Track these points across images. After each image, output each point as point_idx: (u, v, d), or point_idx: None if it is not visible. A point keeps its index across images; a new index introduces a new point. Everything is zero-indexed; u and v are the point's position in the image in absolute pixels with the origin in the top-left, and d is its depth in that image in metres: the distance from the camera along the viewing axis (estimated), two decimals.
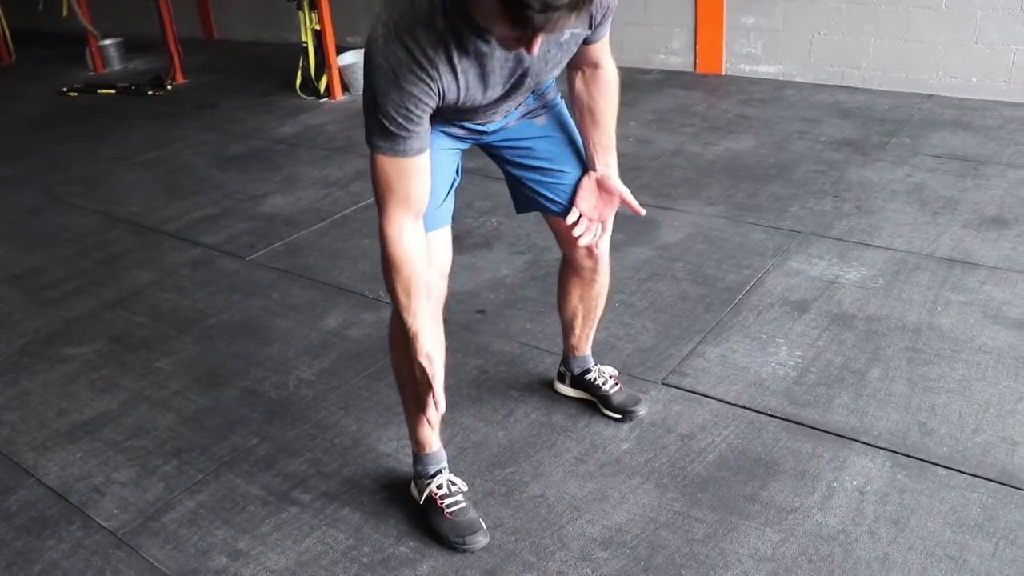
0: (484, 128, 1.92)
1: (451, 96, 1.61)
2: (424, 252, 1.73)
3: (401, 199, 1.66)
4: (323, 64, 5.84)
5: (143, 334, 3.08)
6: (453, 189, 1.94)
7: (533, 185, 2.06)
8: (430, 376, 1.70)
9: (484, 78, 1.63)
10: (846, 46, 5.11)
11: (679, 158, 4.27)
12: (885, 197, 3.64)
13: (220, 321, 3.11)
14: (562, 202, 2.06)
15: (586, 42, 1.81)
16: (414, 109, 1.56)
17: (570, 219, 2.04)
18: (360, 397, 2.58)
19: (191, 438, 2.47)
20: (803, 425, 2.31)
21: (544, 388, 2.54)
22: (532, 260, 3.32)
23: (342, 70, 5.87)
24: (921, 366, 2.51)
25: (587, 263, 2.18)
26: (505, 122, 1.95)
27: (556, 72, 1.80)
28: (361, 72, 6.32)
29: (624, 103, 1.89)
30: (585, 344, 2.40)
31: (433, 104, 1.59)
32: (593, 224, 2.06)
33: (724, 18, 5.45)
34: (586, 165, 2.05)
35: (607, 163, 2.02)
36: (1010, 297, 2.83)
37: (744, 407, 2.40)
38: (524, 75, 1.70)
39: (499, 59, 1.62)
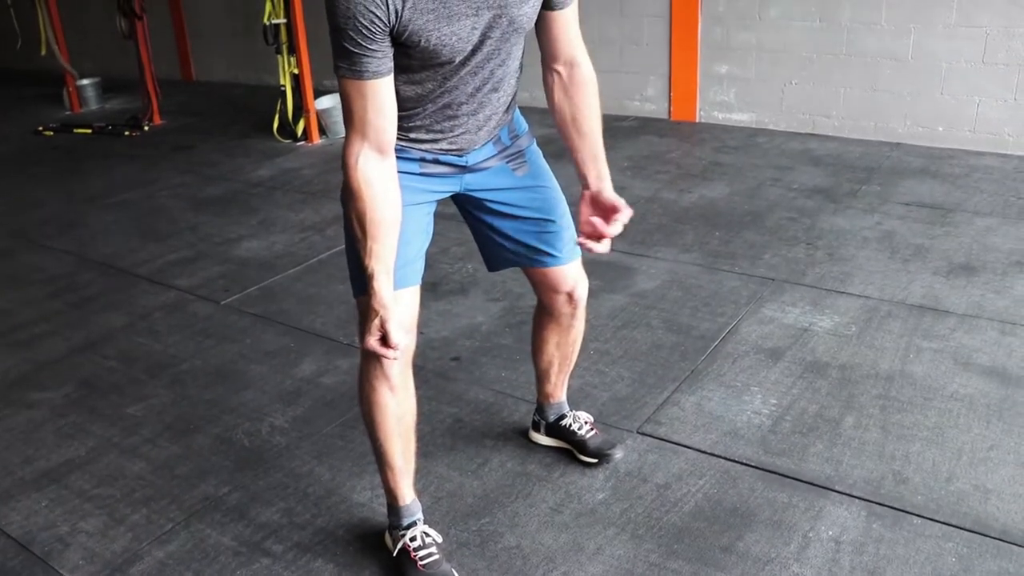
0: (463, 161, 1.90)
1: (407, 12, 1.58)
2: (387, 190, 1.69)
3: (359, 124, 1.65)
4: (301, 108, 5.87)
5: (114, 379, 3.03)
6: (424, 251, 1.92)
7: (517, 236, 2.03)
8: (384, 322, 1.68)
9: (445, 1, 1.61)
10: (817, 95, 5.22)
11: (654, 205, 4.31)
12: (857, 244, 3.70)
13: (193, 366, 3.07)
14: (550, 252, 2.04)
15: (551, 4, 1.79)
16: (362, 19, 1.55)
17: (580, 243, 1.90)
18: (334, 446, 2.55)
19: (161, 486, 2.43)
20: (778, 474, 2.31)
21: (519, 437, 2.52)
22: (508, 307, 3.32)
23: (319, 114, 5.90)
24: (894, 414, 2.53)
25: (566, 309, 2.17)
26: (483, 156, 1.93)
27: (528, 23, 1.76)
28: (338, 117, 6.31)
29: None
30: (560, 390, 2.40)
31: (384, 16, 1.56)
32: (602, 241, 1.89)
33: (698, 66, 5.56)
34: (567, 215, 2.05)
35: (599, 175, 1.92)
36: (980, 344, 2.86)
37: (719, 456, 2.39)
38: (496, 6, 1.66)
39: None
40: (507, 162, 1.98)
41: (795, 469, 2.32)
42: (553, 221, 2.03)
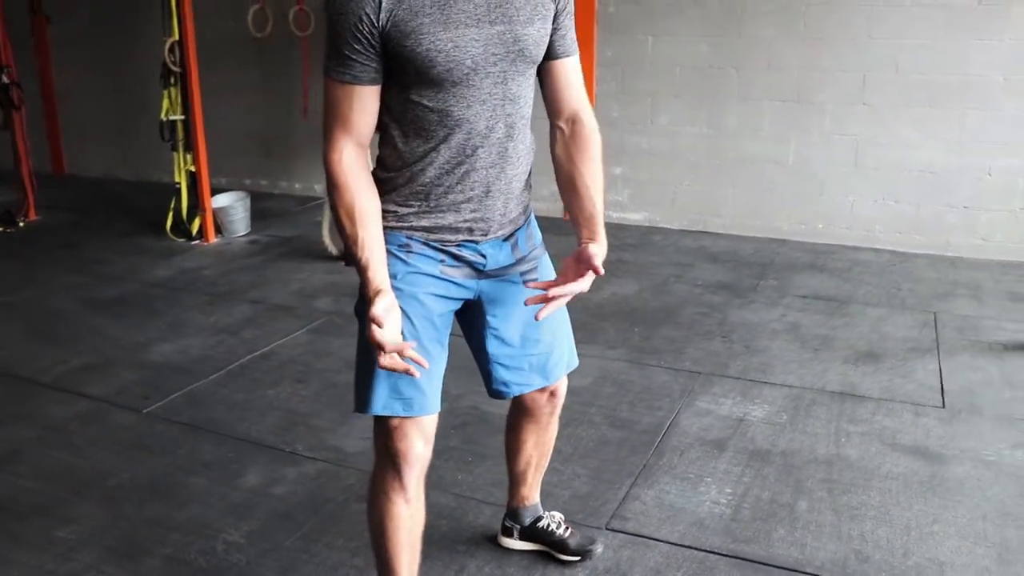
0: (483, 263, 1.86)
1: (401, 12, 1.61)
2: (369, 181, 1.75)
3: (341, 121, 1.70)
4: (196, 206, 5.72)
5: (33, 500, 2.80)
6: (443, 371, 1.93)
7: (506, 362, 2.00)
8: (379, 306, 1.63)
9: (444, 5, 1.64)
10: (707, 196, 5.57)
11: (571, 302, 4.42)
12: (768, 336, 3.93)
13: (123, 481, 2.88)
14: (541, 376, 2.05)
15: (554, 53, 1.83)
16: (351, 17, 1.61)
17: (543, 316, 1.82)
18: (299, 560, 2.44)
19: None
20: (751, 561, 2.39)
21: (489, 541, 2.50)
22: (447, 409, 3.27)
23: (216, 212, 5.77)
24: (841, 495, 2.68)
25: (547, 408, 2.19)
26: (501, 262, 1.90)
27: (535, 49, 1.76)
28: (235, 215, 6.13)
29: None
30: (535, 492, 2.41)
31: (373, 16, 1.60)
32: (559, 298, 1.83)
33: None
34: (565, 328, 2.08)
35: (592, 234, 1.87)
36: (900, 425, 3.09)
37: (691, 547, 2.45)
38: (500, 21, 1.68)
39: None
40: (521, 275, 1.95)
41: (765, 555, 2.41)
42: (542, 341, 2.02)
